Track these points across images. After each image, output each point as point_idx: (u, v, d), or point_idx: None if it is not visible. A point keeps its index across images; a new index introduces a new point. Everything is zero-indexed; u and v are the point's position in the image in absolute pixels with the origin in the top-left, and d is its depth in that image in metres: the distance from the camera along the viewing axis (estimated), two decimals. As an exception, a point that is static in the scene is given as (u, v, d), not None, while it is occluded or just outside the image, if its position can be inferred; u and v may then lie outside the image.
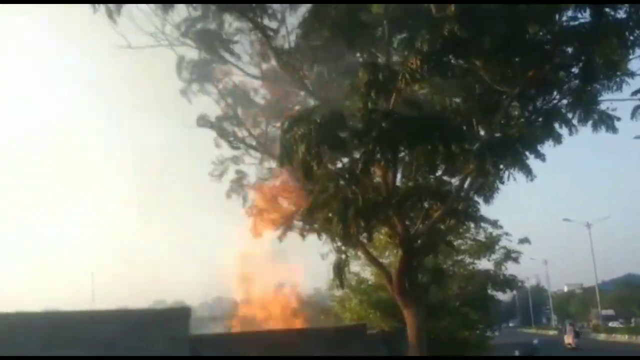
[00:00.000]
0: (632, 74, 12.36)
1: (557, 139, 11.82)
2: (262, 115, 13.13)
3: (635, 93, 11.84)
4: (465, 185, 12.20)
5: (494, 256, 25.04)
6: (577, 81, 11.99)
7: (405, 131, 9.77)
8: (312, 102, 12.05)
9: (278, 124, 12.53)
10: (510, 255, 25.59)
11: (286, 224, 15.31)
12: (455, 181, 12.61)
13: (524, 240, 26.51)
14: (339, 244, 12.67)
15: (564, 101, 12.27)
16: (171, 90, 14.15)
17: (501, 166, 10.97)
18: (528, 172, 10.67)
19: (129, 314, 11.03)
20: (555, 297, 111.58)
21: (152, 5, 11.51)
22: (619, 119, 12.35)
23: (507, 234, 24.10)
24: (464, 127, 10.61)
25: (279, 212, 15.16)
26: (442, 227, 13.00)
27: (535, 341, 28.60)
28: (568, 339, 41.30)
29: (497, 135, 10.92)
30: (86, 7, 11.28)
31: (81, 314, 10.75)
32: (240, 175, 14.75)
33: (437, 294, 20.33)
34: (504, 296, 36.33)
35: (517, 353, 25.44)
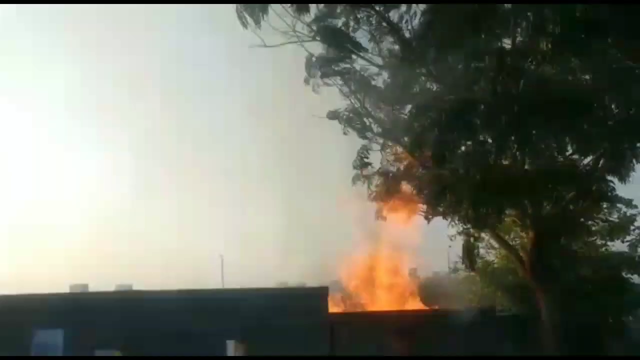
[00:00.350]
0: None
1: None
2: (385, 101, 13.30)
3: None
4: (600, 164, 11.79)
5: (628, 237, 23.61)
6: None
7: (536, 113, 9.70)
8: (435, 87, 12.04)
9: (402, 110, 12.81)
10: None
11: (410, 208, 15.48)
12: (587, 161, 12.14)
13: None
14: (468, 226, 12.72)
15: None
16: (296, 84, 14.77)
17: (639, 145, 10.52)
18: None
19: (277, 293, 11.88)
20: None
21: (285, 5, 12.13)
22: None
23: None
24: (595, 105, 10.20)
25: (402, 197, 15.33)
26: (575, 208, 12.60)
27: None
28: None
29: (631, 112, 10.42)
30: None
31: (237, 292, 11.69)
32: (366, 161, 15.08)
33: (569, 277, 19.55)
34: (640, 280, 33.88)
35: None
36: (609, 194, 12.80)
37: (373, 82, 13.11)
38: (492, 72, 9.47)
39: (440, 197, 11.16)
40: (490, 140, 10.40)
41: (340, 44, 11.88)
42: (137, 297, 10.09)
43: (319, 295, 11.00)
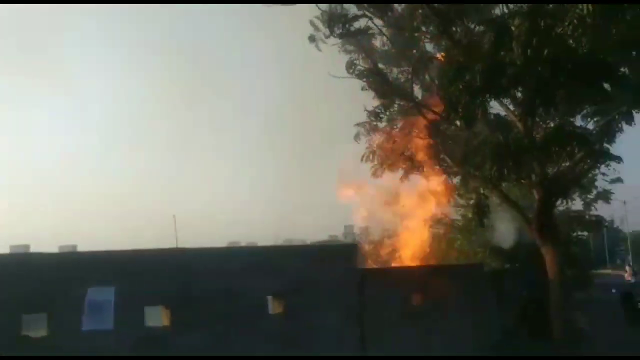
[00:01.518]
0: None
1: None
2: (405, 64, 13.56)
3: None
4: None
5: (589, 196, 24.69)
6: None
7: (563, 76, 10.13)
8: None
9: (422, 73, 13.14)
10: (604, 196, 25.15)
11: (409, 167, 15.93)
12: (595, 123, 12.80)
13: (616, 180, 25.76)
14: (478, 186, 13.32)
15: None
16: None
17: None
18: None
19: (309, 249, 12.24)
20: (632, 238, 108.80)
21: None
22: None
23: (603, 173, 23.49)
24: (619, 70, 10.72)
25: (403, 156, 15.70)
26: (580, 168, 13.35)
27: (633, 280, 28.65)
28: (627, 276, 41.98)
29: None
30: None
31: (273, 248, 12.01)
32: (372, 119, 15.38)
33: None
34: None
35: (614, 291, 25.50)
36: (611, 154, 13.63)
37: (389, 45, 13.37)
38: (524, 35, 9.73)
39: (466, 157, 11.60)
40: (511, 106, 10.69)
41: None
42: (183, 255, 10.19)
43: (350, 251, 11.49)
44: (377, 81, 13.35)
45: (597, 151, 12.83)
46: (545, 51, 9.93)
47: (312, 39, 15.04)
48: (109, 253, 9.31)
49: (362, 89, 13.68)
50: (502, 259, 20.05)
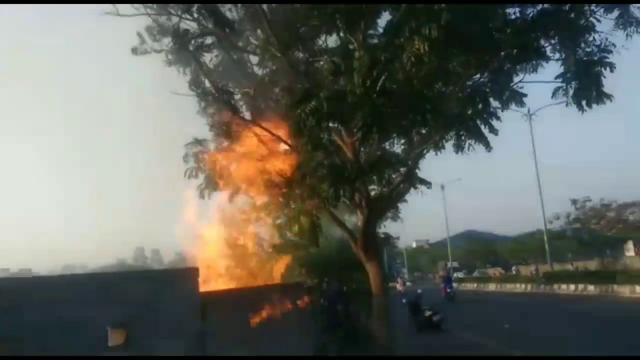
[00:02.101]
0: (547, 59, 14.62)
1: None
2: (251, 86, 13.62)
3: (557, 77, 14.17)
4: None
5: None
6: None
7: (395, 106, 11.17)
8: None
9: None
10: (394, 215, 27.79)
11: (237, 188, 16.05)
12: (409, 150, 14.25)
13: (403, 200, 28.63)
14: (310, 207, 13.86)
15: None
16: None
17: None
18: (486, 143, 12.57)
19: (150, 274, 11.55)
20: (406, 252, 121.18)
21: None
22: (526, 95, 14.53)
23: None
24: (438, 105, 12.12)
25: (232, 178, 15.74)
26: (398, 190, 14.69)
27: (419, 290, 31.79)
28: (399, 287, 47.21)
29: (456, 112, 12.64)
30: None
31: (111, 275, 11.19)
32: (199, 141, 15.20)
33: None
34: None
35: (404, 301, 27.88)
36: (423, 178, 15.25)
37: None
38: (365, 68, 10.55)
39: (302, 179, 12.01)
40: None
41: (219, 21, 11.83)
42: (9, 284, 8.98)
43: (190, 275, 11.17)
44: (219, 101, 13.25)
45: (412, 176, 14.29)
46: (381, 83, 10.88)
47: (134, 51, 14.66)
48: None
49: (201, 109, 13.51)
50: (314, 276, 21.24)
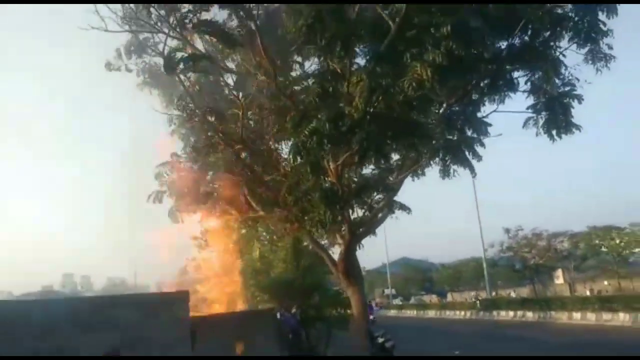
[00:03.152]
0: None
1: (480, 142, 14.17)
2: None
3: (529, 107, 14.73)
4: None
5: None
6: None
7: (390, 130, 11.27)
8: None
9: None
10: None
11: (208, 210, 15.74)
12: (397, 175, 14.37)
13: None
14: (294, 230, 13.71)
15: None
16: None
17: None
18: (471, 169, 12.85)
19: (141, 299, 11.04)
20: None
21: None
22: (490, 124, 15.02)
23: None
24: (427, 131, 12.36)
25: (200, 200, 15.43)
26: (378, 214, 14.74)
27: (372, 317, 31.76)
28: None
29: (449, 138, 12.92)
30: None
31: (102, 299, 10.72)
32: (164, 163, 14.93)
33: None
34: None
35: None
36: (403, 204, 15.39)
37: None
38: (366, 91, 10.59)
39: (295, 202, 11.84)
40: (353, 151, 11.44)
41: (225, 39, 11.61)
42: (9, 309, 8.37)
43: (181, 300, 10.84)
44: (204, 121, 12.95)
45: (394, 201, 14.40)
46: (378, 106, 10.96)
47: (108, 66, 14.26)
48: None
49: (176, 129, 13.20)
50: (275, 301, 21.02)
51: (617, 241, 57.21)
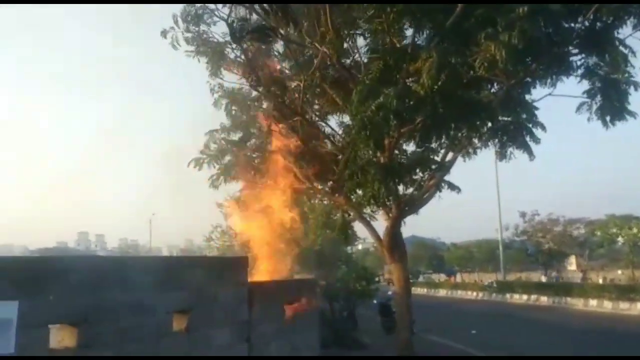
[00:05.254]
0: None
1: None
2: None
3: (584, 92, 14.60)
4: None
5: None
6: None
7: (456, 108, 11.26)
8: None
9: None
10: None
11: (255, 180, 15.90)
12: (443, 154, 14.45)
13: None
14: (343, 204, 13.88)
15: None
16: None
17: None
18: (529, 152, 12.85)
19: (207, 261, 11.30)
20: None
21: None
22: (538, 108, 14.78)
23: None
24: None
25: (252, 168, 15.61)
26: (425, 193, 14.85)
27: (389, 292, 32.11)
28: None
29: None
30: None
31: (173, 259, 10.93)
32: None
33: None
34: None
35: (375, 301, 28.19)
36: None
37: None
38: (434, 69, 10.56)
39: (351, 177, 11.94)
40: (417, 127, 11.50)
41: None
42: (93, 263, 8.58)
43: (241, 264, 11.12)
44: (273, 92, 13.01)
45: (444, 181, 14.49)
46: (442, 85, 10.91)
47: (164, 34, 14.26)
48: (13, 259, 7.28)
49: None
50: (307, 272, 21.28)
51: (635, 231, 56.95)
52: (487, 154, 14.26)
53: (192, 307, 9.72)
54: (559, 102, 15.12)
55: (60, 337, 7.86)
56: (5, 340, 6.79)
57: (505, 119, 13.07)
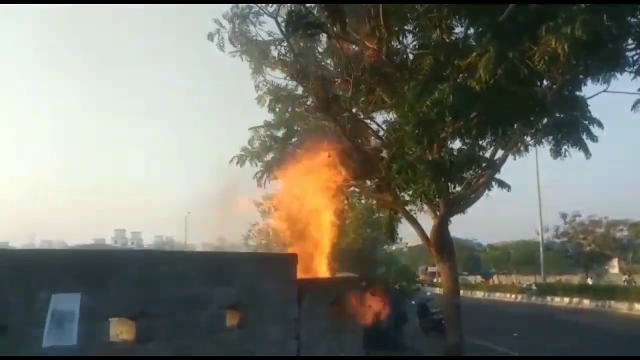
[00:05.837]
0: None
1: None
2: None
3: (640, 89, 14.04)
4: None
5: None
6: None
7: (511, 104, 10.97)
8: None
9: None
10: None
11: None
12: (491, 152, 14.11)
13: None
14: (389, 202, 13.69)
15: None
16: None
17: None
18: (585, 150, 12.44)
19: (257, 258, 11.31)
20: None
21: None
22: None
23: None
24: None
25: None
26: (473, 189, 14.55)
27: (428, 293, 31.91)
28: None
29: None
30: None
31: (224, 255, 11.05)
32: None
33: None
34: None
35: (413, 302, 27.94)
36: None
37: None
38: (492, 63, 10.29)
39: (400, 172, 11.75)
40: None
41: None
42: (149, 257, 8.64)
43: (290, 261, 11.11)
44: (318, 88, 12.91)
45: (495, 179, 14.16)
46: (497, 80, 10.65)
47: (210, 37, 14.29)
48: (74, 252, 7.43)
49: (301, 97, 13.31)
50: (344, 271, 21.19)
51: (682, 233, 55.09)
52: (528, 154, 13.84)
53: (243, 303, 9.71)
54: (602, 98, 14.64)
55: (119, 330, 7.91)
56: (68, 332, 6.85)
57: (560, 115, 12.66)
